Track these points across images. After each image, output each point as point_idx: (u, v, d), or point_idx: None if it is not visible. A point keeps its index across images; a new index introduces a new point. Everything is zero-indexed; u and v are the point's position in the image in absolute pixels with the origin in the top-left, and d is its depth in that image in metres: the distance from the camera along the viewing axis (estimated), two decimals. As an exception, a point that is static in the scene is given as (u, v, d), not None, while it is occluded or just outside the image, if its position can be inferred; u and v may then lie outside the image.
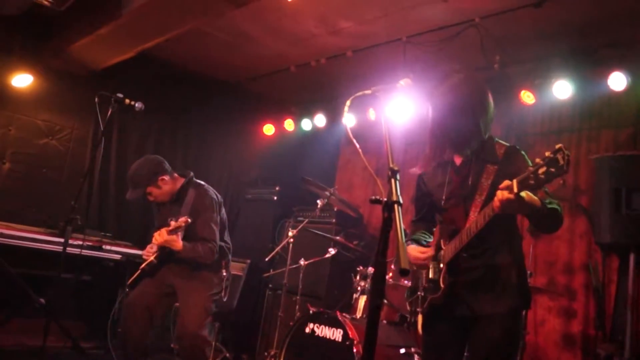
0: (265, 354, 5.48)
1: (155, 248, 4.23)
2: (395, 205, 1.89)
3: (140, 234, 6.37)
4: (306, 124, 7.39)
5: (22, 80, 5.91)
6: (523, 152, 2.67)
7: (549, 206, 2.43)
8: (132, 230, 6.60)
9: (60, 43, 5.89)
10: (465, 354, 2.72)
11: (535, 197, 2.35)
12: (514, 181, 2.23)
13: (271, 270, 6.04)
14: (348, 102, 2.32)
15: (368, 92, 2.34)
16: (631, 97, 4.93)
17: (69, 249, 4.19)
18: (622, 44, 4.96)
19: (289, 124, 7.68)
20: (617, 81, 4.79)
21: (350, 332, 4.05)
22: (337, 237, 5.41)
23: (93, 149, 6.38)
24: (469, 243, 2.54)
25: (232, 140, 7.79)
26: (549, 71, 5.19)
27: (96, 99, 4.22)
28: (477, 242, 2.53)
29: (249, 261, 6.35)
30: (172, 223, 3.98)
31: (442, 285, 2.62)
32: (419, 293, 2.83)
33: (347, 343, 4.04)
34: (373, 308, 1.91)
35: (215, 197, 4.38)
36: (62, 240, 4.23)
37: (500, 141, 2.74)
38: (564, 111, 5.45)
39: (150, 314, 4.17)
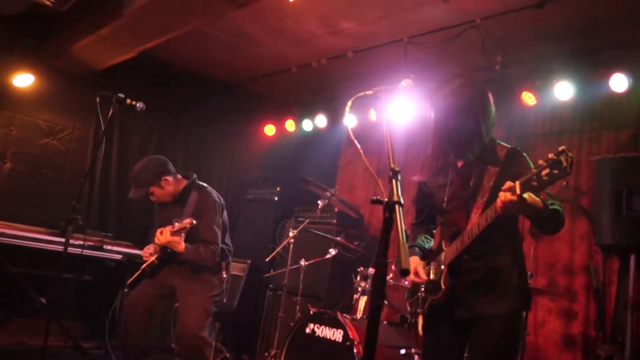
0: (266, 354, 5.48)
1: (152, 248, 4.23)
2: (396, 206, 1.89)
3: (141, 234, 6.37)
4: (307, 125, 7.39)
5: (23, 80, 5.92)
6: (524, 154, 2.67)
7: (551, 207, 2.43)
8: (133, 230, 6.60)
9: (62, 43, 5.89)
10: (465, 355, 2.72)
11: (537, 199, 2.35)
12: (517, 183, 2.23)
13: (272, 271, 6.04)
14: (349, 103, 2.32)
15: (369, 92, 2.34)
16: (632, 99, 4.92)
17: (70, 249, 4.18)
18: (624, 45, 4.96)
19: (289, 125, 7.68)
20: (618, 82, 4.79)
21: (350, 333, 4.04)
22: (338, 238, 5.40)
23: (94, 149, 6.39)
24: (470, 244, 2.54)
25: (233, 141, 7.79)
26: (550, 72, 5.19)
27: (97, 99, 4.21)
28: (479, 243, 2.53)
29: (249, 261, 6.36)
30: (176, 224, 3.97)
31: (443, 286, 2.62)
32: (419, 294, 2.83)
33: (348, 343, 4.03)
34: (373, 308, 1.91)
35: (217, 199, 4.38)
36: (63, 240, 4.22)
37: (502, 143, 2.74)
38: (565, 112, 5.45)
39: (150, 314, 4.17)
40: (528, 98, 5.36)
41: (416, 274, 2.73)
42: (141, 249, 5.23)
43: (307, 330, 4.40)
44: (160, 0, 4.62)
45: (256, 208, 7.23)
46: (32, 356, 4.97)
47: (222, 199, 4.45)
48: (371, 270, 4.74)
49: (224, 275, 4.41)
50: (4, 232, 5.00)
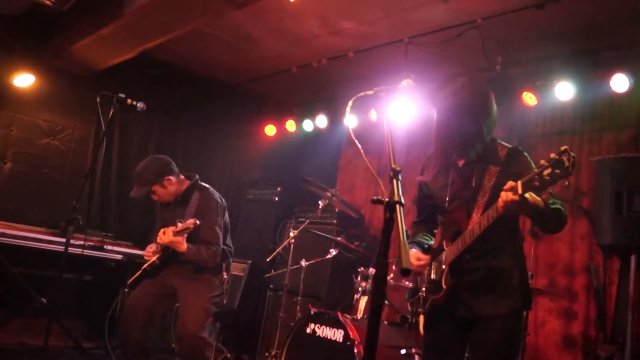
0: (266, 354, 5.49)
1: (154, 248, 4.23)
2: (397, 206, 1.89)
3: (142, 234, 6.37)
4: (307, 125, 7.39)
5: (23, 80, 5.92)
6: (525, 154, 2.67)
7: (553, 206, 2.43)
8: (134, 230, 6.60)
9: (62, 43, 5.89)
10: (466, 355, 2.72)
11: (539, 198, 2.35)
12: (519, 182, 2.23)
13: (272, 271, 6.04)
14: (350, 103, 2.33)
15: (370, 92, 2.34)
16: (633, 99, 4.92)
17: (71, 249, 4.18)
18: (624, 45, 4.96)
19: (290, 125, 7.68)
20: (619, 83, 4.78)
21: (351, 333, 4.05)
22: (339, 238, 5.40)
23: (95, 149, 6.39)
24: (471, 244, 2.54)
25: (234, 141, 7.79)
26: (551, 72, 5.19)
27: (98, 99, 4.21)
28: (480, 243, 2.54)
29: (250, 262, 6.36)
30: (179, 224, 3.98)
31: (444, 286, 2.62)
32: (420, 293, 2.83)
33: (348, 343, 4.04)
34: (374, 308, 1.91)
35: (219, 200, 4.39)
36: (63, 240, 4.23)
37: (503, 143, 2.74)
38: (565, 113, 5.45)
39: (151, 314, 4.18)
40: (529, 98, 5.36)
41: (418, 259, 2.74)
42: (142, 249, 5.23)
43: (308, 330, 4.40)
44: (160, 0, 4.62)
45: (257, 208, 7.23)
46: (32, 356, 4.97)
47: (223, 200, 4.46)
48: (372, 271, 4.74)
49: (225, 276, 4.42)
50: (5, 232, 5.00)
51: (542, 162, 2.16)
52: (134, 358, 4.12)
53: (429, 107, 2.76)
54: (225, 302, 4.60)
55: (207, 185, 4.46)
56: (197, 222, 3.93)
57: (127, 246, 5.93)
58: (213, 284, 4.27)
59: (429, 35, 5.24)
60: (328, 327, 4.27)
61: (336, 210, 6.30)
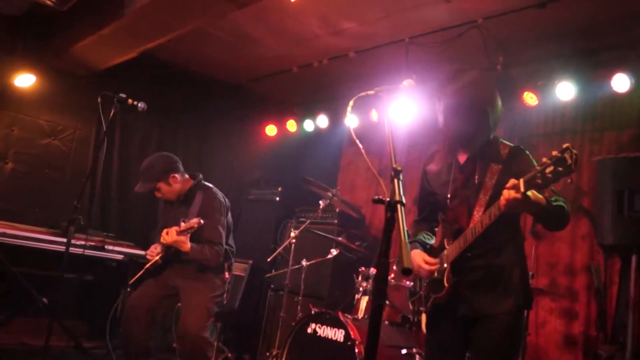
0: (267, 354, 5.49)
1: (159, 248, 4.23)
2: (398, 205, 1.89)
3: (143, 234, 6.35)
4: (308, 125, 7.39)
5: (24, 80, 5.92)
6: (527, 152, 2.68)
7: (555, 204, 2.43)
8: (135, 230, 6.59)
9: (63, 43, 5.89)
10: (467, 354, 2.73)
11: (541, 196, 2.35)
12: (521, 180, 2.23)
13: (273, 271, 6.04)
14: (351, 103, 2.33)
15: (371, 92, 2.34)
16: (634, 99, 4.92)
17: (72, 249, 4.19)
18: (626, 45, 4.95)
19: (291, 125, 7.68)
20: (620, 83, 4.78)
21: (352, 333, 4.05)
22: (339, 238, 5.40)
23: (95, 149, 6.39)
24: (473, 242, 2.54)
25: (234, 141, 7.79)
26: (552, 72, 5.19)
27: (99, 99, 4.21)
28: (481, 241, 2.54)
29: (251, 262, 6.36)
30: (182, 224, 3.98)
31: (446, 284, 2.63)
32: (421, 292, 2.84)
33: (349, 343, 4.04)
34: (375, 308, 1.91)
35: (223, 200, 4.39)
36: (64, 240, 4.23)
37: (504, 141, 2.75)
38: (566, 112, 5.45)
39: (152, 315, 4.18)
40: (530, 98, 5.36)
41: (426, 262, 2.73)
42: (143, 249, 5.23)
43: (309, 330, 4.41)
44: (161, 0, 4.62)
45: (257, 208, 7.23)
46: (33, 356, 4.96)
47: (227, 200, 4.46)
48: (373, 270, 4.74)
49: (227, 276, 4.42)
50: (6, 232, 5.00)
51: (544, 159, 2.15)
52: (135, 358, 4.12)
53: (434, 102, 2.76)
54: (226, 301, 4.59)
55: (210, 185, 4.46)
56: (201, 221, 3.93)
57: (128, 246, 5.93)
58: (215, 284, 4.27)
59: (430, 35, 5.24)
60: (329, 327, 4.27)
61: (337, 210, 6.30)
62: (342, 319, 4.17)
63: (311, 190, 5.74)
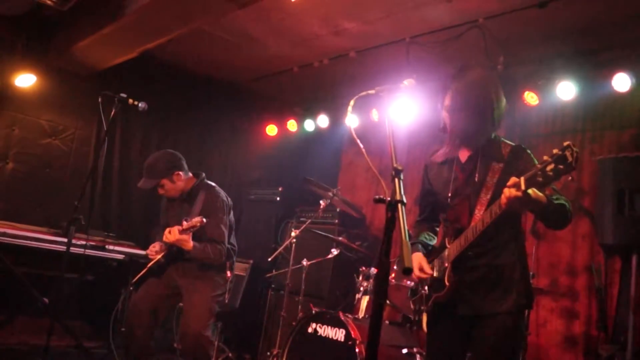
0: (268, 353, 5.49)
1: (158, 246, 4.23)
2: (399, 205, 1.89)
3: (144, 234, 6.36)
4: (309, 125, 7.39)
5: (25, 80, 5.91)
6: (529, 151, 2.69)
7: (556, 202, 2.43)
8: (135, 230, 6.59)
9: (64, 43, 5.90)
10: (468, 354, 2.73)
11: (541, 194, 2.34)
12: (522, 178, 2.23)
13: (274, 271, 6.04)
14: (352, 102, 2.33)
15: (372, 92, 2.34)
16: (635, 99, 4.91)
17: (73, 249, 4.20)
18: (626, 45, 4.95)
19: (291, 125, 7.69)
20: (621, 82, 4.78)
21: (352, 332, 4.04)
22: (340, 238, 5.40)
23: (96, 149, 6.40)
24: (474, 241, 2.54)
25: (235, 141, 7.80)
26: (553, 72, 5.19)
27: (99, 99, 4.21)
28: (482, 240, 2.54)
29: (251, 261, 6.37)
30: (185, 223, 3.98)
31: (446, 283, 2.63)
32: (422, 291, 2.84)
33: (350, 343, 4.03)
34: (376, 308, 1.91)
35: (225, 199, 4.40)
36: (65, 240, 4.23)
37: (506, 140, 2.75)
38: (567, 112, 5.44)
39: (155, 315, 4.19)
40: (530, 98, 5.36)
41: (421, 269, 2.73)
42: (143, 248, 5.23)
43: (309, 330, 4.41)
44: (161, 0, 4.62)
45: (258, 208, 7.23)
46: (34, 355, 4.98)
47: (229, 199, 4.47)
48: (373, 270, 4.74)
49: (228, 275, 4.42)
50: (7, 232, 5.00)
51: (545, 157, 2.15)
52: (137, 358, 4.13)
53: (437, 100, 2.76)
54: (227, 300, 4.60)
55: (213, 184, 4.47)
56: (204, 220, 3.94)
57: (129, 246, 5.93)
58: (217, 283, 4.28)
59: (430, 34, 5.24)
60: (329, 327, 4.27)
61: (337, 210, 6.30)
62: (342, 318, 4.17)
63: (312, 190, 5.75)
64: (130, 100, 4.30)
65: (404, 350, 4.22)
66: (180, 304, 4.33)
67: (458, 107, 2.65)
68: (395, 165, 1.99)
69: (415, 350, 4.20)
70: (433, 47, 5.29)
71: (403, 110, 5.70)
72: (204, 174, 4.48)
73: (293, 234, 5.30)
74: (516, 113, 5.59)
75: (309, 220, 5.48)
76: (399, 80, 2.37)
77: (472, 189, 2.67)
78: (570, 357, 4.98)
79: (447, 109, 2.70)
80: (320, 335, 4.31)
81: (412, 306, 2.98)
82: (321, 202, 5.44)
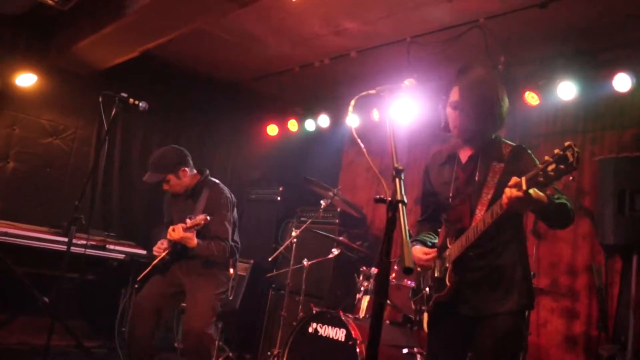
0: (268, 353, 5.50)
1: (166, 244, 4.23)
2: (400, 205, 1.89)
3: (144, 233, 6.37)
4: (310, 125, 7.39)
5: (26, 80, 5.92)
6: (530, 151, 2.69)
7: (557, 201, 2.43)
8: (136, 229, 6.59)
9: (64, 42, 5.90)
10: (469, 354, 2.73)
11: (542, 194, 2.34)
12: (523, 178, 2.23)
13: (274, 271, 6.03)
14: (352, 102, 2.33)
15: (372, 92, 2.34)
16: (636, 99, 4.91)
17: (73, 249, 4.20)
18: (627, 45, 4.95)
19: (292, 125, 7.69)
20: (622, 82, 4.78)
21: (353, 332, 4.04)
22: (341, 238, 5.40)
23: (97, 149, 6.41)
24: (475, 241, 2.54)
25: (235, 141, 7.79)
26: (553, 72, 5.19)
27: (100, 99, 4.21)
28: (484, 240, 2.54)
29: (252, 261, 6.36)
30: (188, 221, 3.99)
31: (447, 283, 2.63)
32: (424, 291, 2.84)
33: (350, 343, 4.03)
34: (377, 307, 1.91)
35: (229, 196, 4.41)
36: (66, 239, 4.23)
37: (506, 141, 2.75)
38: (568, 112, 5.44)
39: (158, 314, 4.20)
40: (531, 98, 5.36)
41: (424, 253, 2.74)
42: (144, 248, 5.23)
43: (310, 330, 4.41)
44: (162, 0, 4.62)
45: (259, 208, 7.23)
46: (35, 355, 4.98)
47: (233, 196, 4.48)
48: (374, 270, 4.74)
49: (231, 272, 4.43)
50: (7, 232, 5.02)
51: (546, 157, 2.15)
52: (139, 357, 4.13)
53: (438, 99, 2.77)
54: (230, 298, 4.60)
55: (217, 181, 4.47)
56: (208, 218, 3.94)
57: (129, 245, 5.93)
58: (220, 281, 4.28)
59: (431, 34, 5.23)
60: (330, 327, 4.27)
61: (338, 210, 6.30)
62: (343, 318, 4.17)
63: (312, 190, 5.75)
64: (131, 100, 4.30)
65: (405, 350, 4.22)
66: (183, 304, 4.33)
67: (460, 106, 2.65)
68: (395, 165, 1.99)
69: (415, 350, 4.20)
70: (434, 47, 5.29)
71: (404, 110, 5.70)
72: (208, 171, 4.49)
73: (294, 233, 5.31)
74: (517, 113, 5.58)
75: (310, 220, 5.48)
76: (399, 80, 2.37)
77: (473, 189, 2.67)
78: (571, 357, 4.98)
79: (452, 105, 2.70)
80: (321, 335, 4.31)
81: (413, 306, 2.98)
82: (322, 202, 5.44)
